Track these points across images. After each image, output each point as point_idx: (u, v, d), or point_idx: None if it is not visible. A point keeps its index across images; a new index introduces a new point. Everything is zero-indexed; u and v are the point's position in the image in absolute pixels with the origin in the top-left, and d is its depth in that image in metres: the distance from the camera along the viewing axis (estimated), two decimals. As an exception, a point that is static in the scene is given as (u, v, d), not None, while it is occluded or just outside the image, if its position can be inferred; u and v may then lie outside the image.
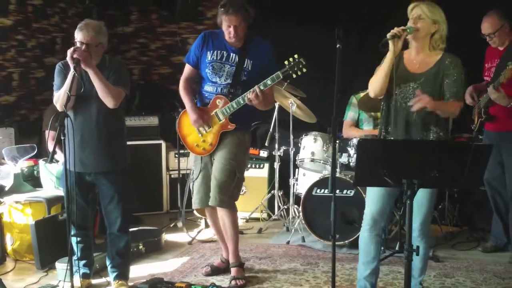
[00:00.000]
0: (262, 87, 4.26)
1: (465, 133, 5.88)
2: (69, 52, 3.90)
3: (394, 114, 3.74)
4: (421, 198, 3.62)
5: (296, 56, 4.24)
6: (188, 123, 4.56)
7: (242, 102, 4.33)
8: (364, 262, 3.91)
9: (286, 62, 4.24)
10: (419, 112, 3.63)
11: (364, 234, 3.88)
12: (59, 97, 4.00)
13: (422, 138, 3.68)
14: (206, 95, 4.49)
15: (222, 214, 4.48)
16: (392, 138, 3.74)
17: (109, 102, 4.01)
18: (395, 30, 3.60)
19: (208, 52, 4.43)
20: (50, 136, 5.06)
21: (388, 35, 3.60)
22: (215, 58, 4.42)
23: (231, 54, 4.41)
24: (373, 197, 3.81)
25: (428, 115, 3.67)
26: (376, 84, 3.74)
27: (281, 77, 4.25)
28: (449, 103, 3.66)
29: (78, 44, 3.99)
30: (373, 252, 3.87)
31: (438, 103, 3.64)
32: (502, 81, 4.55)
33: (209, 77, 4.44)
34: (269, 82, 4.26)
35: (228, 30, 4.31)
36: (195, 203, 4.63)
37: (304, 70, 4.24)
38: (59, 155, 4.99)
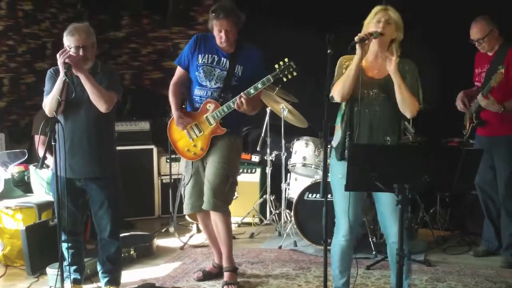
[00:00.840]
0: (252, 91, 4.27)
1: (456, 138, 5.90)
2: (59, 57, 3.89)
3: (357, 120, 3.70)
4: (393, 204, 3.56)
5: (286, 59, 4.24)
6: (178, 128, 4.55)
7: (232, 106, 4.32)
8: (341, 270, 3.87)
9: (276, 66, 4.25)
10: (382, 114, 3.66)
11: (342, 244, 3.80)
12: (48, 101, 3.98)
13: (383, 143, 3.65)
14: (196, 99, 4.48)
15: (215, 218, 4.48)
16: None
17: (101, 106, 4.00)
18: (363, 33, 3.59)
19: (200, 55, 4.43)
20: (40, 141, 5.05)
21: (356, 39, 3.56)
22: (206, 62, 4.42)
23: (222, 58, 4.41)
24: (346, 206, 3.71)
25: (390, 122, 3.68)
26: (344, 88, 3.64)
27: (272, 80, 4.26)
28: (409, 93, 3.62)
29: (73, 50, 3.96)
30: (349, 259, 3.87)
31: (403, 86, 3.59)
32: (493, 85, 4.57)
33: (199, 81, 4.44)
34: (259, 85, 4.27)
35: (219, 34, 4.32)
36: (187, 208, 4.62)
37: (295, 73, 4.25)
38: (50, 161, 4.97)
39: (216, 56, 4.42)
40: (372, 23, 3.65)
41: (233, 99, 4.31)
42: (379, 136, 3.67)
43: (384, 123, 3.68)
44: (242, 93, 4.26)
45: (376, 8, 3.68)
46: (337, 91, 3.69)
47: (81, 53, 3.96)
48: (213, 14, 4.30)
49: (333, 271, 3.91)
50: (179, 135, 4.57)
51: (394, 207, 3.48)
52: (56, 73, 4.07)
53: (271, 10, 6.93)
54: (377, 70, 3.70)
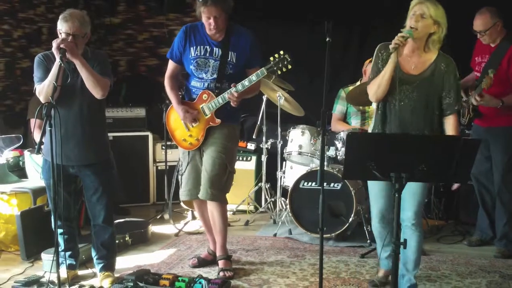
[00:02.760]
0: (247, 83, 4.26)
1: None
2: (54, 42, 3.85)
3: (391, 117, 3.75)
4: (415, 186, 3.63)
5: (281, 52, 4.22)
6: (175, 118, 4.55)
7: (227, 98, 4.32)
8: (382, 246, 4.06)
9: (271, 58, 4.23)
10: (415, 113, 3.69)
11: (376, 225, 4.04)
12: (44, 87, 3.92)
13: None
14: (193, 91, 4.47)
15: (211, 207, 4.48)
16: None
17: (97, 93, 3.98)
18: (397, 40, 3.54)
19: (191, 48, 4.40)
20: (36, 125, 5.01)
21: (392, 48, 3.56)
22: (198, 54, 4.38)
23: (214, 48, 4.37)
24: (376, 194, 3.90)
25: (424, 117, 3.70)
26: (378, 90, 3.70)
27: (266, 73, 4.25)
28: (454, 123, 3.72)
29: (63, 35, 3.93)
30: (388, 237, 3.95)
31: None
32: (483, 87, 4.57)
33: (195, 73, 4.42)
34: (253, 78, 4.26)
35: (208, 22, 4.26)
36: (183, 195, 4.62)
37: (289, 66, 4.23)
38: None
39: (208, 47, 4.38)
40: (409, 16, 3.62)
41: (228, 90, 4.30)
42: (411, 131, 3.68)
43: (417, 119, 3.69)
44: (231, 89, 4.25)
45: (414, 1, 3.63)
46: (372, 93, 3.75)
47: (71, 40, 3.92)
48: (201, 1, 4.23)
49: (377, 246, 4.26)
50: (176, 125, 4.56)
51: (414, 190, 3.59)
52: (45, 58, 4.04)
53: (262, 2, 6.92)
54: (413, 65, 3.68)
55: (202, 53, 4.38)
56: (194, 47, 4.39)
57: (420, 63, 3.69)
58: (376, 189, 3.90)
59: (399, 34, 3.56)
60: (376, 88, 3.72)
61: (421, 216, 3.89)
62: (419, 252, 3.94)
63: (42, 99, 3.95)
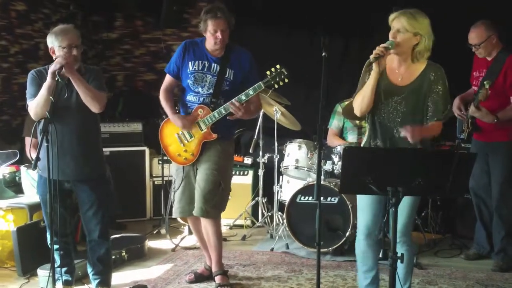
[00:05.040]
0: (244, 97, 4.27)
1: (447, 141, 5.92)
2: (55, 62, 3.87)
3: (380, 130, 3.67)
4: (402, 204, 3.57)
5: (278, 66, 4.24)
6: (169, 133, 4.55)
7: (223, 112, 4.32)
8: (363, 270, 3.83)
9: (268, 72, 4.25)
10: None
11: (360, 243, 3.79)
12: (37, 103, 3.89)
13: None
14: (189, 105, 4.48)
15: (205, 223, 4.47)
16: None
17: (94, 107, 3.98)
18: (378, 50, 3.47)
19: (190, 62, 4.42)
20: (32, 144, 5.01)
21: (372, 58, 3.48)
22: (196, 69, 4.40)
23: (213, 64, 4.40)
24: (364, 206, 3.75)
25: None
26: (362, 103, 3.62)
27: (263, 87, 4.27)
28: (432, 127, 3.59)
29: (65, 50, 3.92)
30: (371, 259, 3.79)
31: (424, 131, 3.57)
32: (480, 99, 4.59)
33: (192, 87, 4.43)
34: (251, 92, 4.27)
35: (214, 35, 4.29)
36: (176, 212, 4.63)
37: (286, 80, 4.25)
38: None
39: (206, 62, 4.40)
40: (390, 33, 3.56)
41: (224, 105, 4.31)
42: (400, 141, 3.60)
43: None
44: (233, 100, 4.27)
45: (390, 17, 3.57)
46: (356, 106, 3.66)
47: (74, 53, 3.94)
48: (209, 14, 4.27)
49: (358, 272, 3.89)
50: (170, 140, 4.56)
51: (400, 208, 3.46)
52: (39, 75, 4.04)
53: (264, 14, 6.94)
54: (401, 77, 3.61)
55: (200, 68, 4.40)
56: (193, 61, 4.41)
57: (408, 74, 3.60)
58: (363, 202, 3.75)
59: (381, 45, 3.49)
60: (360, 100, 3.63)
61: (409, 232, 3.74)
62: (409, 267, 3.82)
63: (33, 114, 3.92)
